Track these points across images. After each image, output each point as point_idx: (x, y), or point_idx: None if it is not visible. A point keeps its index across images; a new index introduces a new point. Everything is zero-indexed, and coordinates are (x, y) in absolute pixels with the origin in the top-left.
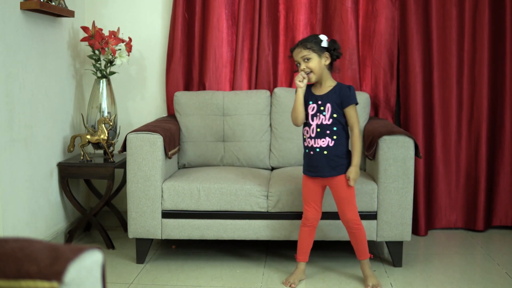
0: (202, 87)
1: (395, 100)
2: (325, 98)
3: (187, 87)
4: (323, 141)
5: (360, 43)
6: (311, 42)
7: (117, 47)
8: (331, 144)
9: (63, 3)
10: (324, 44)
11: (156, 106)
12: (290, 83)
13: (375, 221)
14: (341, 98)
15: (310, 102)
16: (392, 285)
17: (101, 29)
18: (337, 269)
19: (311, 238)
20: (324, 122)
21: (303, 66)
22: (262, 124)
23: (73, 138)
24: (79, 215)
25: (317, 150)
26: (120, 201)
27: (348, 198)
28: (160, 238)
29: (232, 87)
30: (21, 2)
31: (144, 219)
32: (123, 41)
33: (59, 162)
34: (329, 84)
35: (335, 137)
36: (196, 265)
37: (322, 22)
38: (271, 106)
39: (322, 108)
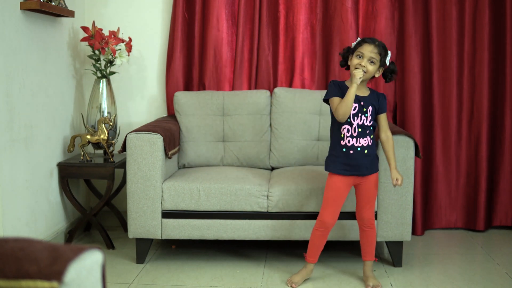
0: (202, 87)
1: (395, 100)
2: (368, 100)
3: (187, 87)
4: (364, 140)
5: None
6: (384, 51)
7: (117, 47)
8: (370, 144)
9: (63, 3)
10: (387, 60)
11: (156, 106)
12: (290, 83)
13: (375, 221)
14: (380, 104)
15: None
16: (392, 285)
17: (101, 29)
18: (337, 269)
19: (323, 241)
20: (366, 123)
21: (365, 63)
22: (262, 124)
23: (73, 138)
24: (79, 215)
25: (358, 149)
26: (120, 201)
27: (373, 198)
28: (160, 238)
29: (232, 87)
30: (21, 2)
31: (144, 219)
32: (123, 41)
33: (59, 162)
34: (365, 88)
35: (371, 136)
36: (196, 265)
37: (322, 22)
38: (271, 106)
39: (364, 109)
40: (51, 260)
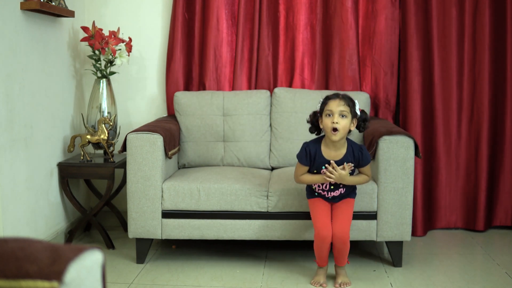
0: (202, 87)
1: (395, 100)
2: (342, 163)
3: (187, 87)
4: (336, 192)
5: (360, 43)
6: (351, 102)
7: (117, 47)
8: (343, 191)
9: (63, 3)
10: (357, 110)
11: (156, 106)
12: (290, 83)
13: (375, 221)
14: (358, 161)
15: (323, 167)
16: (392, 285)
17: (101, 29)
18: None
19: (328, 248)
20: (339, 182)
21: (336, 119)
22: (262, 124)
23: (73, 138)
24: (79, 215)
25: (330, 198)
26: (120, 201)
27: (348, 218)
28: (160, 238)
29: (232, 87)
30: (21, 2)
31: (144, 219)
32: (123, 41)
33: (59, 162)
34: (343, 146)
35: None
36: (196, 265)
37: (322, 22)
38: (271, 106)
39: None
40: (51, 260)
